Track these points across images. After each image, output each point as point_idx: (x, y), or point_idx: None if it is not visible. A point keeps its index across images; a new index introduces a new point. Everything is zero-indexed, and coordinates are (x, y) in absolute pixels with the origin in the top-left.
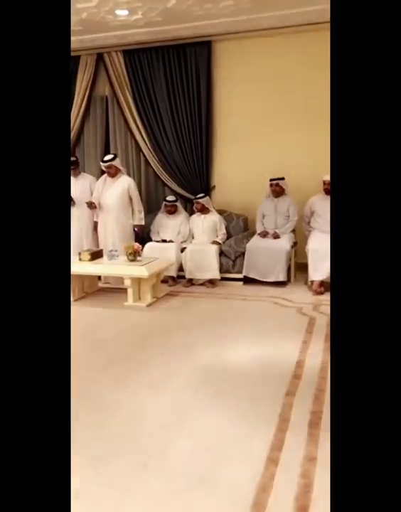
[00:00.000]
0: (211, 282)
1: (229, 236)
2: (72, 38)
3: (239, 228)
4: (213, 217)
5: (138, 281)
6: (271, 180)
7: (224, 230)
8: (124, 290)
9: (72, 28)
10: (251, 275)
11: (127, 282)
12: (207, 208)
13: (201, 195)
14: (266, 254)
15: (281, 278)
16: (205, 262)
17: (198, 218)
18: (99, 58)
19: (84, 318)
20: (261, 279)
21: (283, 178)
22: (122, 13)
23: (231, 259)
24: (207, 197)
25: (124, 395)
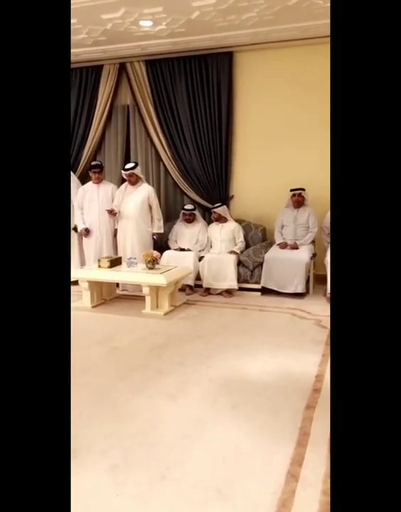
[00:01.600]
0: (228, 292)
1: (247, 246)
2: (96, 48)
3: (257, 238)
4: (231, 226)
5: (156, 289)
6: (292, 190)
7: (242, 239)
8: (142, 298)
9: (95, 38)
10: (269, 286)
11: (145, 290)
12: (225, 217)
13: (218, 204)
14: (285, 265)
15: (300, 289)
16: (222, 272)
17: (215, 227)
18: (122, 68)
19: (102, 325)
20: (279, 290)
21: (304, 189)
22: (146, 24)
23: (249, 269)
24: (224, 206)
25: (142, 403)
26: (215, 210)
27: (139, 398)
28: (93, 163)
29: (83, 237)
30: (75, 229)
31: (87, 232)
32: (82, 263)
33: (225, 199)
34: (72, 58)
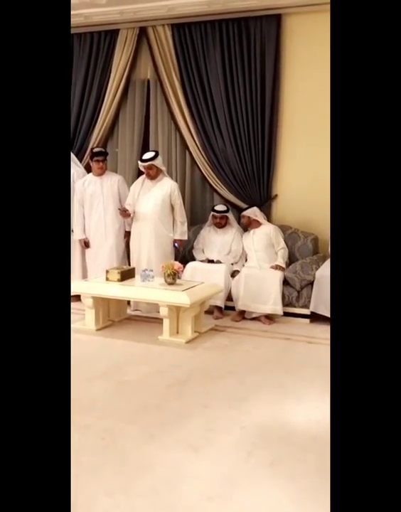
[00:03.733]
0: (269, 317)
1: (293, 260)
2: (111, 9)
3: (306, 250)
4: (265, 230)
5: (176, 310)
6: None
7: (283, 244)
8: (159, 320)
9: None
10: (320, 311)
11: (163, 311)
12: (257, 221)
13: (246, 206)
14: None
15: None
16: (263, 291)
17: (248, 235)
18: (142, 33)
19: (109, 353)
20: None
21: None
22: None
23: (295, 289)
24: (255, 208)
25: (156, 455)
26: (243, 213)
27: (153, 448)
28: (96, 149)
29: (90, 241)
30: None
31: (86, 245)
32: (84, 274)
33: (267, 199)
34: (82, 20)
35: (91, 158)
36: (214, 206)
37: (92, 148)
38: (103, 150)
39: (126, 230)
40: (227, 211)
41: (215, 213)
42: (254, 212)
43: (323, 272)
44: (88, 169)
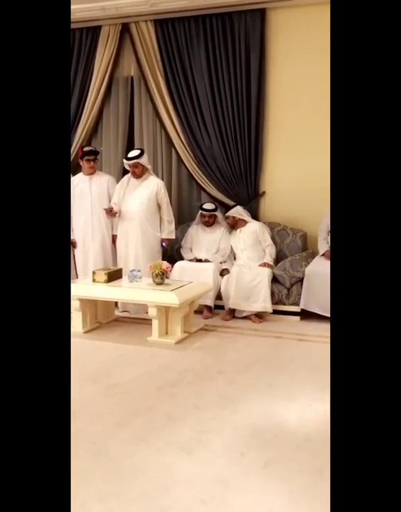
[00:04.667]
0: (259, 316)
1: (282, 257)
2: (93, 5)
3: (295, 247)
4: (251, 228)
5: (165, 310)
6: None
7: (269, 241)
8: (148, 321)
9: None
10: (311, 308)
11: (152, 312)
12: (242, 220)
13: (231, 205)
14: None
15: None
16: (253, 290)
17: (234, 234)
18: (125, 30)
19: (98, 356)
20: (323, 314)
21: None
22: None
23: (285, 286)
24: (238, 207)
25: (147, 458)
26: (228, 214)
27: (145, 451)
28: (86, 148)
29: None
30: None
31: (72, 245)
32: (73, 275)
33: (254, 196)
34: None
35: (81, 157)
36: (202, 204)
37: (81, 147)
38: (94, 148)
39: (114, 233)
40: (215, 210)
41: (204, 212)
42: (238, 212)
43: (313, 269)
44: (73, 169)
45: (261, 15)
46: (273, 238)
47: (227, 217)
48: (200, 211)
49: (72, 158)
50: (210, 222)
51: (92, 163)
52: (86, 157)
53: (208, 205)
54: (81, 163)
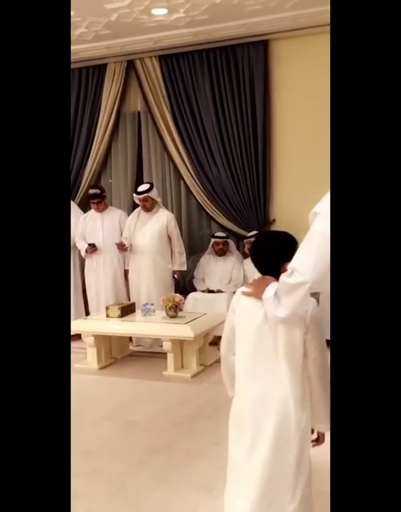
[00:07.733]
0: None
1: None
2: (99, 44)
3: None
4: None
5: (180, 344)
6: None
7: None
8: (163, 355)
9: (98, 32)
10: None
11: (167, 346)
12: None
13: (252, 233)
14: None
15: None
16: None
17: (248, 261)
18: (130, 66)
19: (114, 393)
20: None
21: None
22: (160, 12)
23: None
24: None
25: (167, 497)
26: (249, 239)
27: (165, 491)
28: (91, 191)
29: (86, 279)
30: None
31: (92, 247)
32: (86, 311)
33: (264, 225)
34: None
35: (88, 198)
36: (214, 233)
37: (88, 191)
38: (98, 191)
39: (125, 268)
40: (227, 237)
41: (217, 239)
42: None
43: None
44: (83, 206)
45: (264, 46)
46: None
47: (247, 243)
48: (213, 239)
49: (82, 194)
50: (224, 249)
51: (96, 205)
52: (91, 200)
53: (220, 233)
54: (90, 204)
